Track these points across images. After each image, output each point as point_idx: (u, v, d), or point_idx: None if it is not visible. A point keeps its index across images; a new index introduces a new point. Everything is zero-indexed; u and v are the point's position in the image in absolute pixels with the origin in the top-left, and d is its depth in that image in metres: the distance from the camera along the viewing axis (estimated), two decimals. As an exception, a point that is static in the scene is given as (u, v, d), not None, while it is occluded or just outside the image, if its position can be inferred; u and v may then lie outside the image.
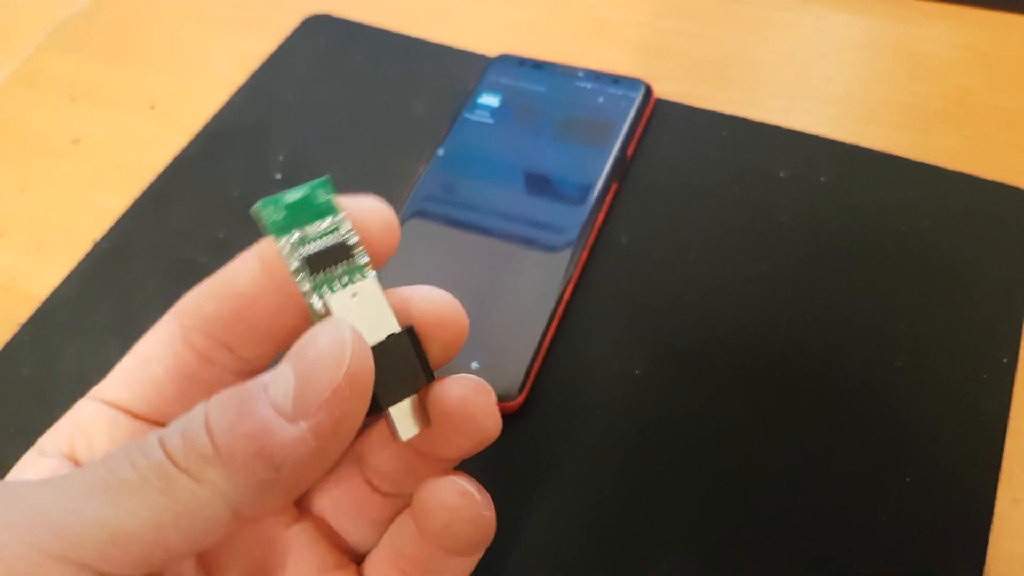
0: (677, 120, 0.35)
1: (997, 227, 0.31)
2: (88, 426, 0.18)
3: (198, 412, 0.15)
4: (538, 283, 0.30)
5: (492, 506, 0.19)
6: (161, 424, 0.18)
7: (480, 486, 0.19)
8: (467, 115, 0.34)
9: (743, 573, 0.24)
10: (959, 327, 0.28)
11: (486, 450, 0.27)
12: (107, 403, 0.19)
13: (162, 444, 0.15)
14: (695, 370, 0.28)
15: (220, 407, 0.15)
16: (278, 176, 0.34)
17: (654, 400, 0.28)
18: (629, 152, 0.33)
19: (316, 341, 0.16)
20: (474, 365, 0.28)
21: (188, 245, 0.33)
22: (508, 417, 0.28)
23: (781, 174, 0.33)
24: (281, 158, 0.35)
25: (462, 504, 0.18)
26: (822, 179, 0.32)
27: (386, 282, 0.18)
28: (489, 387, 0.18)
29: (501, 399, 0.27)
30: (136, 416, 0.19)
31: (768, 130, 0.34)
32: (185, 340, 0.19)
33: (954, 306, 0.29)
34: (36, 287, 0.33)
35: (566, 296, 0.30)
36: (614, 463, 0.27)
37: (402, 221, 0.32)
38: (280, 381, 0.15)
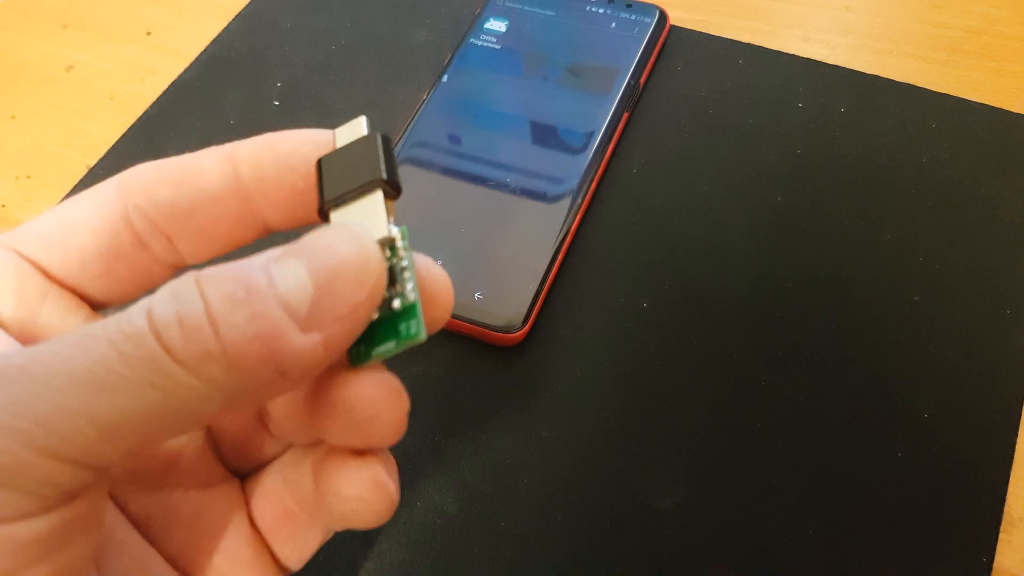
0: (692, 48, 0.33)
1: (1022, 160, 0.29)
2: None
3: (191, 294, 0.13)
4: (544, 214, 0.29)
5: (398, 484, 0.17)
6: (79, 295, 0.18)
7: (393, 465, 0.17)
8: (472, 40, 0.33)
9: (748, 510, 0.24)
10: (980, 261, 0.27)
11: (488, 382, 0.27)
12: (20, 255, 0.17)
13: (155, 333, 0.13)
14: (704, 303, 0.27)
15: (223, 296, 0.13)
16: (276, 103, 0.33)
17: (661, 333, 0.27)
18: (642, 81, 0.32)
19: (338, 249, 0.14)
20: (477, 296, 0.27)
21: (183, 173, 0.32)
22: (511, 349, 0.27)
23: (799, 104, 0.31)
24: (279, 85, 0.34)
25: (375, 497, 0.16)
26: (841, 109, 0.31)
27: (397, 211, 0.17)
28: (405, 395, 0.16)
29: (504, 331, 0.26)
30: (50, 278, 0.17)
31: (786, 59, 0.33)
32: (125, 218, 0.17)
33: (975, 240, 0.28)
34: (27, 215, 0.32)
35: (573, 227, 0.29)
36: (618, 397, 0.26)
37: (405, 150, 0.30)
38: (292, 280, 0.14)
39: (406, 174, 0.30)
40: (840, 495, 0.24)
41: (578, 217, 0.29)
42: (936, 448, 0.24)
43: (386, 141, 0.17)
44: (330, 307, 0.14)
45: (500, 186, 0.29)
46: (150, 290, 0.17)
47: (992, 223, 0.28)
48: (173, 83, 0.35)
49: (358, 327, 0.15)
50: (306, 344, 0.14)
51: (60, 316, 0.17)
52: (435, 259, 0.23)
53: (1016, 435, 0.24)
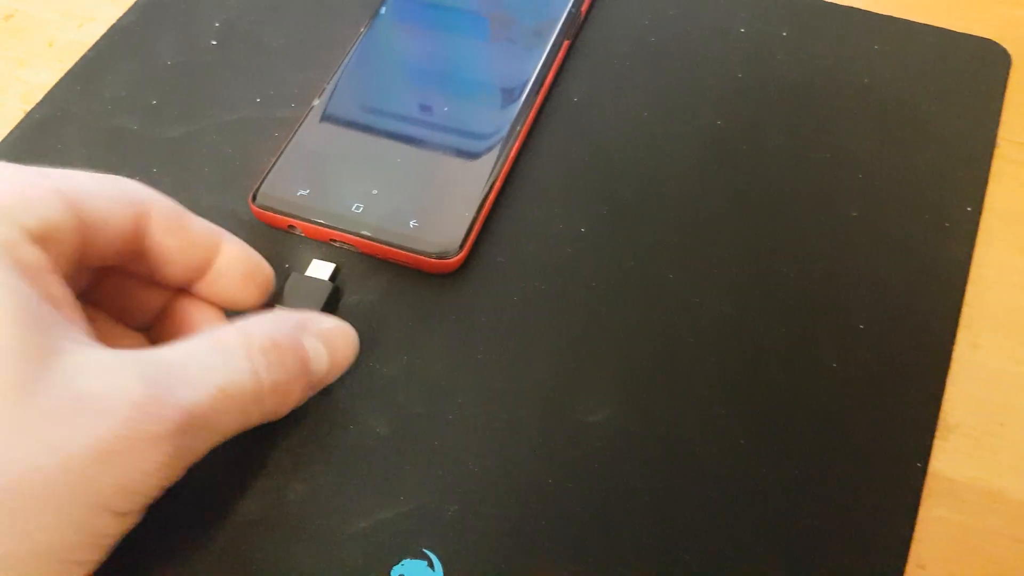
0: (634, -23, 0.33)
1: (965, 78, 0.29)
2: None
3: (279, 366, 0.21)
4: (482, 140, 0.28)
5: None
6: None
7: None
8: (411, -29, 0.33)
9: (678, 421, 0.23)
10: (920, 177, 0.27)
11: (424, 309, 0.26)
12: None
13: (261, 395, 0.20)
14: (642, 226, 0.27)
15: (291, 374, 0.21)
16: (213, 42, 0.33)
17: (597, 257, 0.27)
18: (583, 9, 0.32)
19: (345, 345, 0.23)
20: (412, 224, 0.27)
21: (121, 113, 0.31)
22: (448, 276, 0.27)
23: (741, 29, 0.31)
24: (217, 24, 0.33)
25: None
26: (783, 34, 0.31)
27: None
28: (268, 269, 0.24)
29: (440, 257, 0.26)
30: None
31: (729, -15, 0.32)
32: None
33: (915, 156, 0.28)
34: (-37, 161, 0.31)
35: (512, 155, 0.28)
36: (553, 320, 0.25)
37: (342, 83, 0.30)
38: (323, 365, 0.22)
39: (342, 106, 0.29)
40: (772, 405, 0.23)
41: (516, 145, 0.28)
42: (871, 357, 0.24)
43: (335, 291, 0.26)
44: (329, 378, 0.23)
45: (436, 116, 0.29)
46: None
47: (932, 140, 0.28)
48: (111, 28, 0.34)
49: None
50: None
51: None
52: (371, 189, 0.27)
53: (952, 343, 0.24)
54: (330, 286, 0.26)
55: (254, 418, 0.20)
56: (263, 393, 0.20)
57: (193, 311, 0.24)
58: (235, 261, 0.23)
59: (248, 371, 0.20)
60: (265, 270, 0.24)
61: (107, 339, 0.21)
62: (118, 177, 0.22)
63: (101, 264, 0.22)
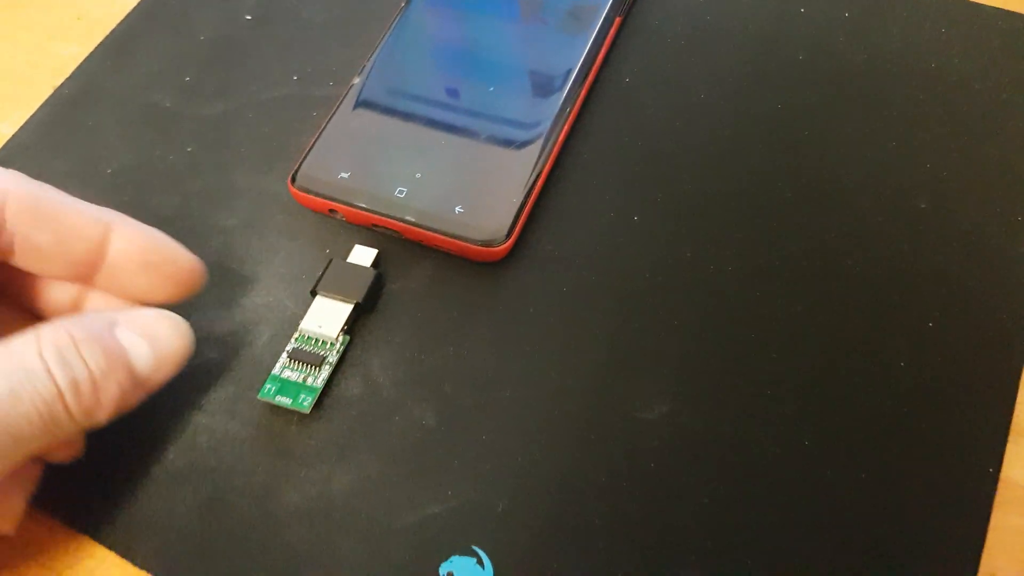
0: (686, -46, 0.32)
1: (1037, 65, 0.28)
2: None
3: (77, 362, 0.19)
4: (529, 123, 0.27)
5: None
6: None
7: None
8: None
9: (739, 420, 0.22)
10: (990, 169, 0.26)
11: (470, 298, 0.25)
12: None
13: (60, 396, 0.19)
14: (697, 216, 0.26)
15: (100, 369, 0.20)
16: (248, 17, 0.32)
17: (651, 247, 0.25)
18: (633, -13, 0.30)
19: (172, 335, 0.21)
20: (458, 210, 0.25)
21: (154, 89, 0.30)
22: (495, 265, 0.26)
23: (801, 9, 0.30)
24: (253, -2, 0.32)
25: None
26: (845, 15, 0.29)
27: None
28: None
29: (486, 244, 0.25)
30: None
31: (787, -36, 0.31)
32: None
33: (984, 146, 0.26)
34: (-8, 136, 0.31)
35: (560, 139, 0.27)
36: (604, 312, 0.24)
37: (384, 56, 0.29)
38: (144, 360, 0.21)
39: (383, 86, 0.28)
40: (838, 406, 0.22)
41: (565, 128, 0.27)
42: (941, 358, 0.23)
43: (378, 277, 0.25)
44: (158, 376, 0.21)
45: (483, 97, 0.28)
46: None
47: (1002, 129, 0.27)
48: (141, 0, 0.33)
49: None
50: (144, 394, 0.21)
51: None
52: (415, 173, 0.26)
53: (1026, 342, 0.23)
54: (373, 273, 0.25)
55: (64, 422, 0.19)
56: (63, 393, 0.19)
57: (102, 305, 0.22)
58: (128, 251, 0.21)
59: (40, 370, 0.18)
60: (177, 260, 0.22)
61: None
62: None
63: None
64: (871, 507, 0.21)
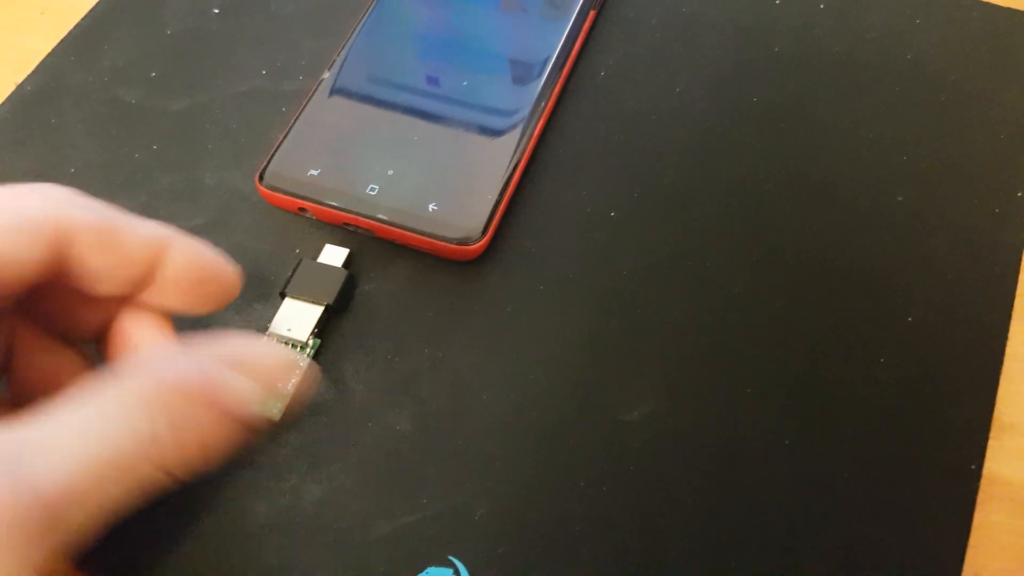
0: (663, -56, 0.31)
1: (1014, 56, 0.28)
2: None
3: (188, 419, 0.17)
4: (504, 117, 0.27)
5: None
6: None
7: None
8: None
9: (720, 419, 0.22)
10: (969, 160, 0.26)
11: (446, 298, 0.25)
12: None
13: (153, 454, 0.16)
14: (677, 210, 0.25)
15: (210, 424, 0.17)
16: (216, 10, 0.31)
17: (631, 243, 0.25)
18: (608, -22, 0.30)
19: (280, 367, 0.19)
20: (432, 207, 0.25)
21: (120, 84, 0.29)
22: (470, 263, 0.25)
23: (777, 1, 0.29)
24: (220, -10, 0.31)
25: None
26: (821, 6, 0.29)
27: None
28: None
29: (462, 243, 0.24)
30: None
31: (764, -46, 0.30)
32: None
33: (961, 137, 0.26)
34: (-49, 134, 0.30)
35: (536, 134, 0.27)
36: (584, 310, 0.24)
37: (354, 50, 0.28)
38: (255, 405, 0.18)
39: (355, 80, 0.28)
40: (819, 403, 0.22)
41: (541, 123, 0.27)
42: (922, 353, 0.23)
43: (350, 278, 0.25)
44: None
45: (457, 92, 0.27)
46: None
47: (979, 120, 0.26)
48: (107, -7, 0.32)
49: None
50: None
51: None
52: (387, 170, 0.25)
53: (1006, 337, 0.23)
54: (344, 273, 0.24)
55: (160, 478, 0.17)
56: (153, 451, 0.16)
57: (137, 323, 0.21)
58: (184, 271, 0.20)
59: (127, 431, 0.16)
60: (223, 274, 0.21)
61: (38, 356, 0.19)
62: (23, 193, 0.18)
63: (10, 299, 0.19)
64: (854, 506, 0.21)
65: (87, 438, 0.16)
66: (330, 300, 0.24)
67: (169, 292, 0.20)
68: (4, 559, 0.14)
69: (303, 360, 0.23)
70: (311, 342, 0.24)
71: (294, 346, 0.24)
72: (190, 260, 0.20)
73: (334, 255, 0.25)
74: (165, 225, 0.20)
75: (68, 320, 0.21)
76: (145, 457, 0.16)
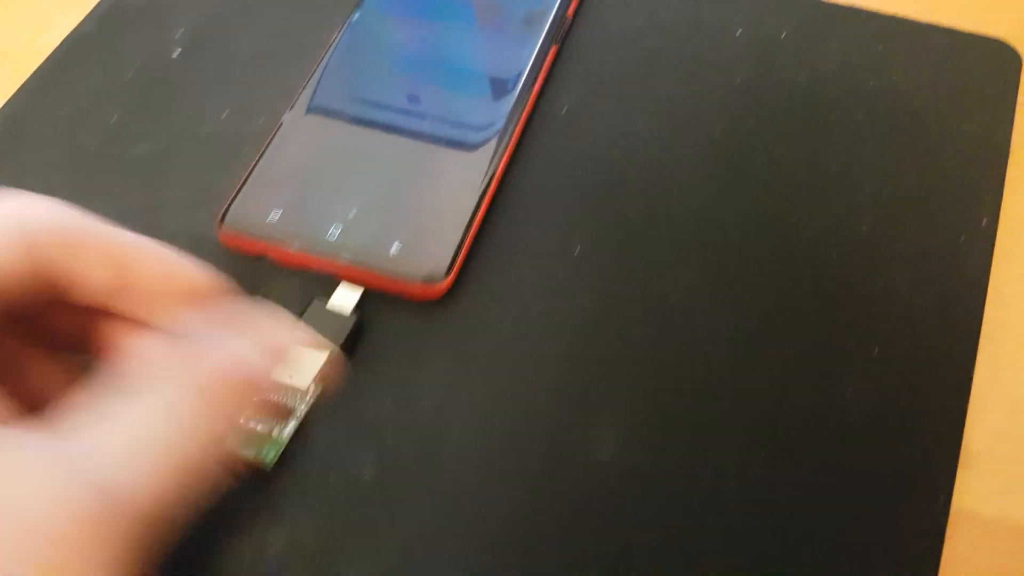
0: (623, -23, 0.31)
1: (976, 82, 0.28)
2: None
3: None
4: (466, 159, 0.27)
5: None
6: None
7: None
8: (387, -23, 0.31)
9: (690, 453, 0.22)
10: (932, 189, 0.26)
11: (410, 340, 0.25)
12: None
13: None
14: (641, 245, 0.25)
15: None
16: (176, 54, 0.31)
17: (595, 279, 0.25)
18: (570, 11, 0.30)
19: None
20: (396, 246, 0.25)
21: (80, 131, 0.29)
22: (436, 303, 0.25)
23: (737, 32, 0.29)
24: (181, 32, 0.31)
25: None
26: (782, 36, 0.29)
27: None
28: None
29: (426, 282, 0.24)
30: None
31: (723, -15, 0.31)
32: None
33: (927, 167, 0.26)
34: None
35: (499, 172, 0.26)
36: (550, 348, 0.24)
37: (317, 95, 0.28)
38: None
39: (315, 122, 0.27)
40: (787, 435, 0.22)
41: (503, 161, 0.27)
42: (888, 385, 0.23)
43: (358, 325, 0.24)
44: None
45: (418, 131, 0.27)
46: None
47: (942, 148, 0.26)
48: (67, 37, 0.32)
49: None
50: None
51: None
52: (349, 211, 0.25)
53: (973, 366, 0.23)
54: (352, 320, 0.24)
55: (218, 471, 0.17)
56: (208, 442, 0.17)
57: (118, 330, 0.20)
58: (154, 277, 0.20)
59: (188, 425, 0.16)
60: (195, 279, 0.20)
61: (28, 367, 0.19)
62: None
63: None
64: (823, 539, 0.21)
65: (146, 436, 0.15)
66: (337, 344, 0.23)
67: (143, 300, 0.20)
68: (98, 566, 0.14)
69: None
70: (312, 388, 0.23)
71: (293, 393, 0.23)
72: (161, 267, 0.20)
73: (345, 297, 0.24)
74: (131, 232, 0.20)
75: (51, 330, 0.20)
76: (202, 448, 0.16)
